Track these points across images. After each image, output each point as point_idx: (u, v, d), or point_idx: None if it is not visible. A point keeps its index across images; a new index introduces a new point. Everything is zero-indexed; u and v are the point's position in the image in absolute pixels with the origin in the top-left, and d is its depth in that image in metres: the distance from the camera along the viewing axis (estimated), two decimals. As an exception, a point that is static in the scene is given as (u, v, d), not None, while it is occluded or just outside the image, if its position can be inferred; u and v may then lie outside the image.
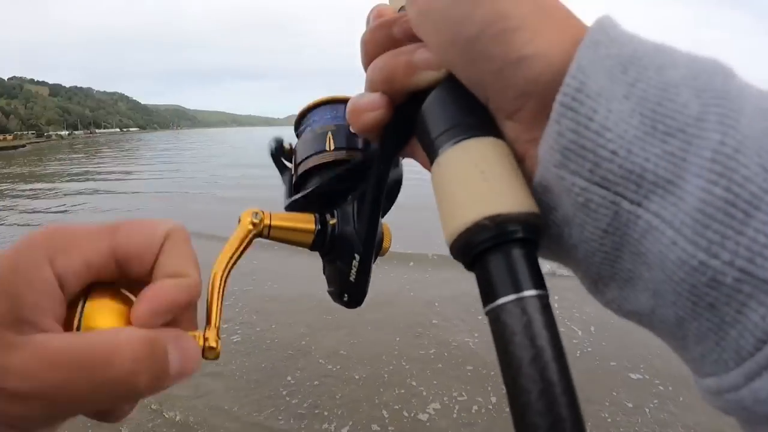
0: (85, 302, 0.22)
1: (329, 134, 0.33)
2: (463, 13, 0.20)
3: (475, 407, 2.40)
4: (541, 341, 0.16)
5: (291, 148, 0.36)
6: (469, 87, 0.22)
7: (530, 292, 0.17)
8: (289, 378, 2.63)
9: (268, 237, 0.31)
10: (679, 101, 0.17)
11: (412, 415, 2.32)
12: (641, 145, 0.17)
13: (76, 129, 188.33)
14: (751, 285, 0.15)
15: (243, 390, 2.51)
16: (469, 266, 0.20)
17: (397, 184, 0.33)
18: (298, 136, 0.37)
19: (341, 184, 0.32)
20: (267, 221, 0.31)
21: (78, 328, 0.22)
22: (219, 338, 0.25)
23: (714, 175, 0.16)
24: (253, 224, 0.30)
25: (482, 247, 0.19)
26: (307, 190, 0.33)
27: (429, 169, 0.24)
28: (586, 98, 0.18)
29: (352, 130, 0.27)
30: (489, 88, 0.21)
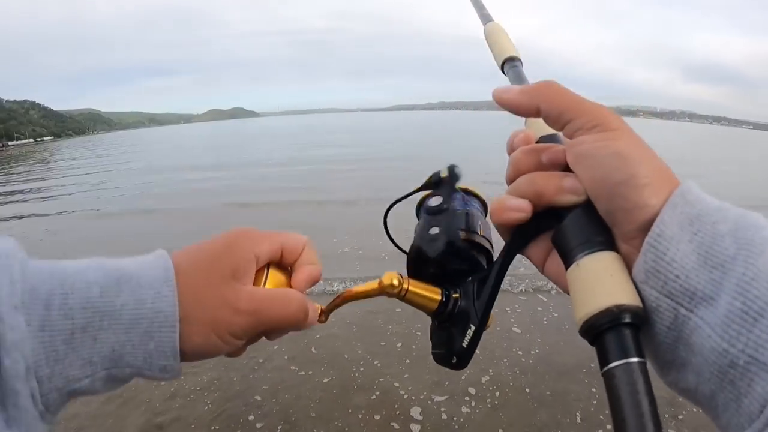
0: (268, 271, 0.38)
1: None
2: (617, 165, 0.29)
3: (463, 408, 2.32)
4: (641, 391, 0.24)
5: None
6: (601, 214, 0.30)
7: (634, 359, 0.25)
8: (257, 397, 2.44)
9: (401, 298, 0.39)
10: (723, 245, 0.26)
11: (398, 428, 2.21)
12: (695, 273, 0.26)
13: None
14: (756, 366, 0.23)
15: (204, 420, 2.29)
16: (592, 341, 0.27)
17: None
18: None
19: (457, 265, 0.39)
20: (406, 285, 0.38)
21: (264, 285, 0.37)
22: (327, 315, 0.41)
23: (736, 294, 0.24)
24: (392, 286, 0.38)
25: (606, 326, 0.26)
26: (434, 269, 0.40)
27: (536, 264, 0.36)
28: (663, 240, 0.27)
29: (490, 221, 0.36)
30: (618, 219, 0.29)
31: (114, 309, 0.30)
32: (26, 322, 0.28)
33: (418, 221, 0.43)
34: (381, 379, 2.53)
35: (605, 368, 0.25)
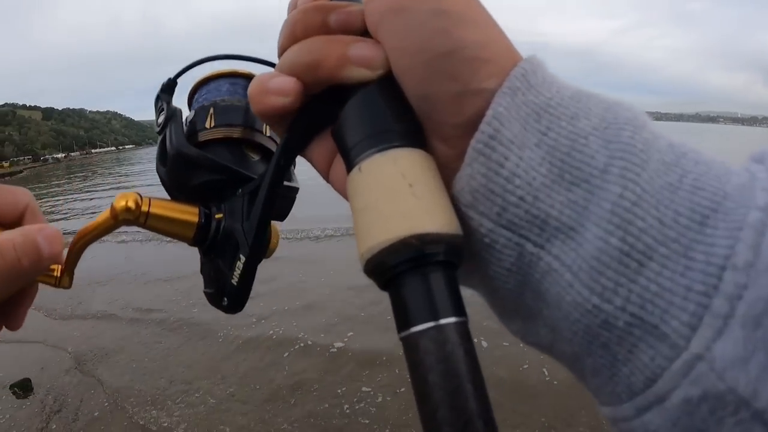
0: None
1: (211, 110, 0.32)
2: (444, 27, 0.19)
3: None
4: (462, 371, 0.16)
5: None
6: (411, 99, 0.21)
7: (450, 320, 0.17)
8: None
9: (144, 226, 0.30)
10: (587, 152, 0.18)
11: None
12: (547, 192, 0.18)
13: (72, 150, 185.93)
14: (641, 329, 0.17)
15: None
16: (384, 286, 0.19)
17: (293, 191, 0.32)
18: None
19: (224, 175, 0.30)
20: (146, 208, 0.29)
21: None
22: (71, 275, 0.32)
23: (611, 226, 0.17)
24: (128, 211, 0.29)
25: (403, 268, 0.18)
26: (193, 182, 0.31)
27: (320, 170, 0.26)
28: (498, 145, 0.18)
29: (253, 111, 0.25)
30: (435, 107, 0.20)
31: None
32: None
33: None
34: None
35: (404, 332, 0.17)
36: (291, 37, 0.24)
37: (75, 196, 14.35)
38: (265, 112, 0.24)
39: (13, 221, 0.30)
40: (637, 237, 0.16)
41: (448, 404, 0.15)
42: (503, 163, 0.18)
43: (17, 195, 0.30)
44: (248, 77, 0.34)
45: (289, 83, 0.23)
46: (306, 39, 0.23)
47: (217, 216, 0.30)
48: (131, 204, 0.28)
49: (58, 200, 13.27)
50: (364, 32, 0.22)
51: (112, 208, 0.29)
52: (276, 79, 0.23)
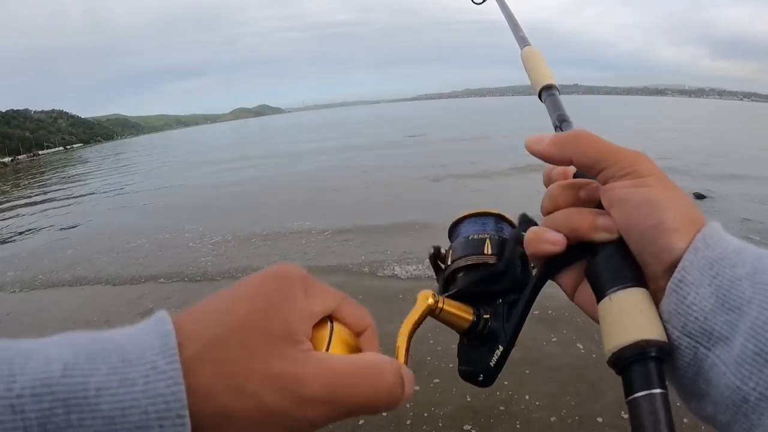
0: (333, 328, 0.30)
1: (488, 241, 0.43)
2: (650, 210, 0.31)
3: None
4: (662, 421, 0.27)
5: (445, 252, 0.45)
6: (633, 253, 0.33)
7: (657, 391, 0.28)
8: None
9: (435, 316, 0.40)
10: (740, 290, 0.28)
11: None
12: (713, 315, 0.28)
13: (19, 153, 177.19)
14: (765, 402, 0.26)
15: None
16: (619, 371, 0.30)
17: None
18: (452, 239, 0.46)
19: (487, 284, 0.41)
20: (441, 305, 0.39)
21: (328, 348, 0.28)
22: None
23: (749, 337, 0.26)
24: (429, 304, 0.39)
25: (634, 358, 0.29)
26: (463, 286, 0.42)
27: (567, 291, 0.39)
28: (684, 285, 0.30)
29: (526, 251, 0.38)
30: (647, 260, 0.32)
31: (86, 394, 0.21)
32: None
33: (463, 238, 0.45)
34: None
35: (630, 397, 0.28)
36: (554, 205, 0.38)
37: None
38: (537, 253, 0.36)
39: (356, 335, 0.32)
40: (765, 344, 0.26)
41: None
42: (687, 296, 0.29)
43: (364, 312, 0.33)
44: (490, 215, 0.46)
45: (558, 237, 0.35)
46: (566, 208, 0.37)
47: (485, 316, 0.41)
48: (431, 301, 0.39)
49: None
50: (600, 203, 0.35)
51: (420, 303, 0.39)
52: (549, 233, 0.36)
